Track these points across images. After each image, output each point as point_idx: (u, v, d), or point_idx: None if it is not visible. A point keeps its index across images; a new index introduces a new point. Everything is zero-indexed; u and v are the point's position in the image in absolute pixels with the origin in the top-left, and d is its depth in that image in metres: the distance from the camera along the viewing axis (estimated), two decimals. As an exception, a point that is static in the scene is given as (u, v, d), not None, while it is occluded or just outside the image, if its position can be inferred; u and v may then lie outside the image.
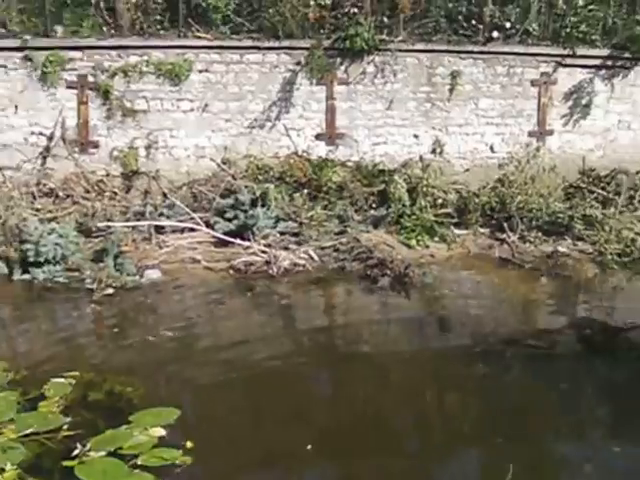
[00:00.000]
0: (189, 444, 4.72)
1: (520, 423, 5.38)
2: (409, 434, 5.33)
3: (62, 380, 5.66)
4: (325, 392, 6.06)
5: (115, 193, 10.70)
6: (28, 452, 4.63)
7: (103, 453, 4.63)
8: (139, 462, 4.54)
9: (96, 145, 11.05)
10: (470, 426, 5.35)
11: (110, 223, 9.39)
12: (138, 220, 9.75)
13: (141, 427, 4.93)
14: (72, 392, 5.49)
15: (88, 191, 10.44)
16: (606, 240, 9.80)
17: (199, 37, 11.21)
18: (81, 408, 5.27)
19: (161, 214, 9.90)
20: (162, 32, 11.31)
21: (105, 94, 10.91)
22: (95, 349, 6.71)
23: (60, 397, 5.39)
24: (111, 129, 11.09)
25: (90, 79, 10.87)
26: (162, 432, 4.90)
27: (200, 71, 11.25)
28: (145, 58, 11.02)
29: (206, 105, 11.35)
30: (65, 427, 4.95)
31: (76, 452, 4.62)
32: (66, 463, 4.52)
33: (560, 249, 9.93)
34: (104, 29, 11.20)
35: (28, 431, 4.84)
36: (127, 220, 9.80)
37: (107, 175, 10.86)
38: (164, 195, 10.82)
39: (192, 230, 9.68)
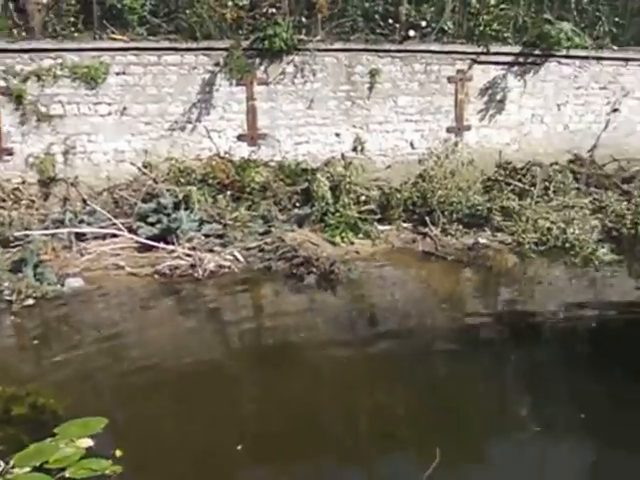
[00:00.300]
0: (118, 452, 4.65)
1: (447, 412, 5.53)
2: (339, 433, 5.37)
3: (-18, 396, 5.48)
4: (255, 393, 6.05)
5: (32, 201, 10.40)
6: (-52, 473, 4.48)
7: (28, 469, 4.51)
8: (67, 475, 4.46)
9: (10, 152, 10.72)
10: (398, 421, 5.46)
11: (28, 232, 9.12)
12: (57, 228, 9.50)
13: (67, 439, 4.83)
14: (-5, 408, 5.33)
15: (4, 200, 10.11)
16: (524, 230, 10.13)
17: (115, 39, 11.00)
18: (3, 423, 5.12)
19: (81, 221, 9.67)
20: (76, 34, 11.04)
21: (18, 99, 10.59)
22: (16, 362, 6.51)
23: (-19, 413, 5.22)
24: (26, 135, 10.78)
25: (1, 83, 10.53)
26: (90, 442, 4.81)
27: (117, 74, 11.05)
28: (59, 61, 10.76)
29: (124, 108, 11.16)
30: (-13, 444, 4.81)
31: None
32: (-12, 482, 4.40)
33: (480, 240, 10.21)
34: (14, 31, 10.86)
35: (-53, 451, 4.68)
36: (46, 228, 9.54)
37: (23, 183, 10.54)
38: (84, 201, 10.59)
39: (114, 236, 9.51)
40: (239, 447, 4.98)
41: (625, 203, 11.10)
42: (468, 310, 8.43)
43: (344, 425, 5.51)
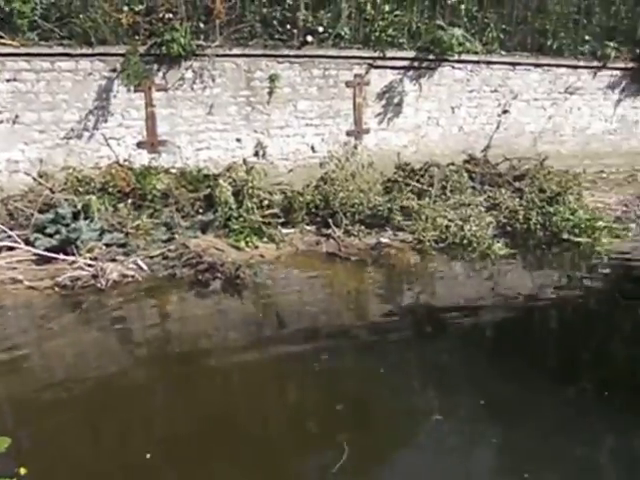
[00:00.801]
0: (23, 470, 4.52)
1: (353, 407, 5.67)
2: (250, 434, 5.41)
3: None
4: (163, 401, 5.99)
5: None
6: None
7: None
8: (-33, 497, 4.30)
9: None
10: (306, 418, 5.55)
11: None
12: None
13: (-33, 461, 4.65)
14: None
15: None
16: (423, 229, 10.43)
17: (4, 44, 10.62)
18: None
19: (-27, 234, 9.29)
20: (-39, 39, 10.62)
21: None
22: None
23: None
24: None
25: None
26: (-9, 462, 4.66)
27: (7, 80, 10.71)
28: (-57, 68, 10.32)
29: (17, 116, 10.84)
30: None
31: None
32: None
33: (383, 240, 10.44)
34: None
35: None
36: None
37: None
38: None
39: (10, 249, 9.17)
40: (148, 456, 4.93)
41: (517, 200, 11.58)
42: (374, 307, 8.64)
43: (254, 426, 5.54)
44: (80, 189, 10.41)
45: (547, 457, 4.96)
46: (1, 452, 4.79)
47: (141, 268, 8.91)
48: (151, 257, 9.25)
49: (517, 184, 12.32)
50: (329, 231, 10.63)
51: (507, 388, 5.96)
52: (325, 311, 8.32)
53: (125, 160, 11.23)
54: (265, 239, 10.22)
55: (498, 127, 14.39)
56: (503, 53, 14.26)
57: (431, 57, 13.51)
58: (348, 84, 13.02)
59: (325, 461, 4.89)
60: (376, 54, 13.09)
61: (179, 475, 4.83)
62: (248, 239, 9.96)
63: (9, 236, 9.19)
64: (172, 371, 6.55)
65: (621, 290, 9.11)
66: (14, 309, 7.94)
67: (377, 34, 13.07)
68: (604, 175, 15.00)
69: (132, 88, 11.41)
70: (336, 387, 6.10)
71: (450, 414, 5.52)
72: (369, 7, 13.03)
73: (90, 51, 11.12)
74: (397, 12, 13.30)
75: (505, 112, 14.35)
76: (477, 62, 13.91)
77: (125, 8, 11.27)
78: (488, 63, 14.07)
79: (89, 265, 8.67)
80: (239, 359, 6.78)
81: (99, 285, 8.33)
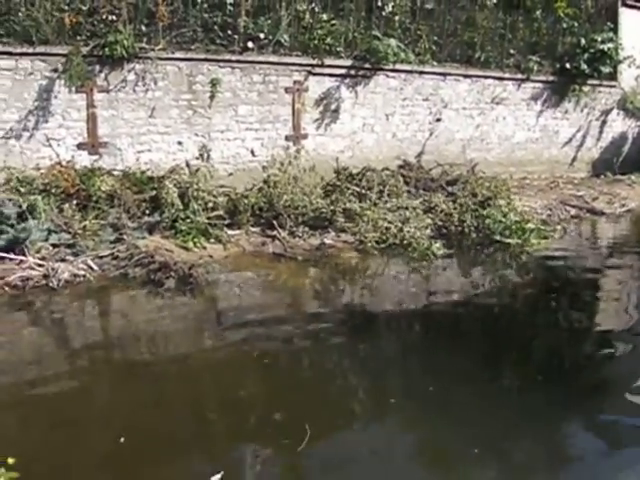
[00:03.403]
0: (10, 460, 4.57)
1: (310, 396, 6.00)
2: (213, 422, 5.61)
3: None
4: (122, 396, 6.04)
5: None
6: None
7: None
8: (-44, 487, 4.32)
9: None
10: (265, 407, 5.74)
11: None
12: None
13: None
14: None
15: None
16: (365, 230, 10.83)
17: (-60, 41, 10.41)
18: None
19: None
20: None
21: None
22: None
23: None
24: None
25: None
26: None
27: (-56, 78, 10.48)
28: None
29: (-47, 115, 10.61)
30: None
31: None
32: None
33: (326, 241, 10.78)
34: None
35: None
36: None
37: None
38: None
39: (-48, 249, 9.00)
40: (122, 439, 5.08)
41: (451, 204, 12.14)
42: (320, 303, 8.92)
43: (215, 414, 5.78)
44: (21, 189, 10.26)
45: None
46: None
47: (91, 268, 8.92)
48: (100, 257, 9.26)
49: (450, 189, 12.92)
50: (274, 232, 10.87)
51: (450, 376, 6.32)
52: (276, 306, 8.59)
53: (68, 161, 11.13)
54: (212, 240, 10.36)
55: (431, 134, 15.00)
56: (435, 64, 14.88)
57: (367, 66, 13.97)
58: (287, 90, 13.31)
59: (291, 442, 5.12)
60: (314, 62, 13.45)
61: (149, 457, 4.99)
62: (196, 240, 10.08)
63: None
64: (132, 366, 6.65)
65: (545, 285, 9.82)
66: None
67: (315, 42, 13.41)
68: (527, 181, 15.86)
69: (74, 89, 11.35)
70: (289, 378, 6.41)
71: (403, 397, 5.90)
72: (308, 16, 13.38)
73: (31, 50, 11.00)
74: (334, 21, 13.70)
75: (438, 120, 14.97)
76: (410, 72, 14.47)
77: (67, 7, 11.19)
78: (420, 73, 14.66)
79: (39, 265, 8.61)
80: (200, 353, 7.04)
81: (51, 284, 8.29)
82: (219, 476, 4.70)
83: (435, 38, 14.98)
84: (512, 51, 15.91)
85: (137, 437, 5.17)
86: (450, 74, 15.13)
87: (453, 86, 15.25)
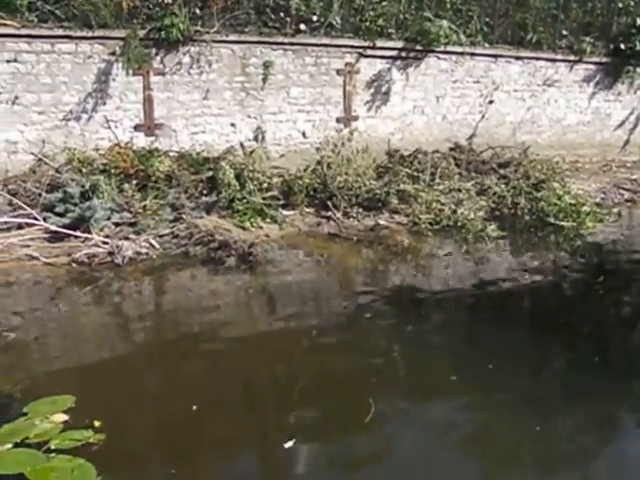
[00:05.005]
0: (97, 423, 4.78)
1: (374, 372, 6.09)
2: (256, 410, 5.65)
3: None
4: (197, 366, 6.23)
5: None
6: None
7: (9, 445, 4.53)
8: (52, 447, 4.52)
9: None
10: (332, 382, 5.86)
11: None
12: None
13: (41, 416, 4.87)
14: (-55, 396, 5.25)
15: None
16: (419, 212, 10.86)
17: (4, 24, 10.64)
18: (-39, 409, 5.07)
19: (-17, 212, 9.36)
20: (-41, 19, 10.60)
21: None
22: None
23: None
24: None
25: None
26: (64, 417, 4.88)
27: (8, 61, 10.71)
28: (-58, 46, 10.30)
29: (16, 97, 10.85)
30: (-47, 429, 4.77)
31: (-21, 448, 4.50)
32: (-28, 460, 4.40)
33: (380, 222, 10.85)
34: None
35: None
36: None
37: None
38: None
39: (20, 227, 9.27)
40: (194, 407, 5.27)
41: (504, 186, 12.09)
42: (374, 283, 8.96)
43: (278, 385, 5.97)
44: (83, 170, 10.52)
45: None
46: (71, 407, 5.02)
47: (153, 246, 9.12)
48: (161, 236, 9.47)
49: (502, 171, 12.85)
50: (329, 213, 10.97)
51: (510, 355, 6.39)
52: (339, 285, 8.85)
53: (126, 143, 11.34)
54: (268, 220, 10.50)
55: (483, 117, 14.89)
56: (486, 45, 14.76)
57: (418, 47, 13.90)
58: (339, 72, 13.34)
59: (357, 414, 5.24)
60: (366, 43, 13.44)
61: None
62: (252, 220, 10.23)
63: (29, 214, 9.25)
64: (201, 339, 6.83)
65: (600, 268, 9.78)
66: (36, 285, 8.07)
67: (367, 24, 13.41)
68: (579, 164, 15.67)
69: (131, 72, 11.52)
70: (355, 354, 6.46)
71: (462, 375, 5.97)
72: (358, -3, 13.38)
73: (90, 34, 11.19)
74: (385, 3, 13.67)
75: (490, 102, 14.86)
76: (461, 53, 14.37)
77: (125, -9, 11.37)
78: (472, 55, 14.54)
79: (104, 243, 8.83)
80: (265, 329, 7.20)
81: (116, 261, 8.50)
82: (292, 443, 4.83)
83: (487, 19, 14.86)
84: (565, 32, 15.68)
85: (208, 406, 5.33)
86: (501, 56, 14.98)
87: (504, 68, 15.10)
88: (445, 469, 4.68)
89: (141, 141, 11.79)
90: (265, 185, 11.02)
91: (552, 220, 11.37)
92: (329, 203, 11.09)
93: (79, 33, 11.12)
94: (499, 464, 4.84)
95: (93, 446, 4.59)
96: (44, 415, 4.88)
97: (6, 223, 9.22)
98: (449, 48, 14.05)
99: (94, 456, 4.47)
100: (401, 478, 4.59)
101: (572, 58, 15.84)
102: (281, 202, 11.04)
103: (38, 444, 4.57)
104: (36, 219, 9.13)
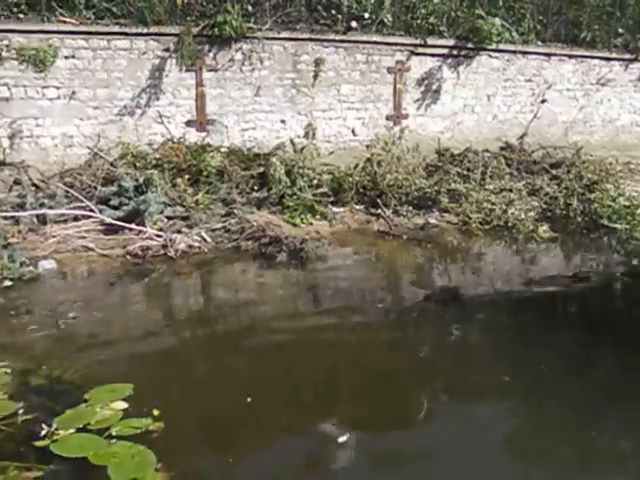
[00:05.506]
0: (156, 412, 4.86)
1: (426, 370, 6.09)
2: (309, 403, 5.68)
3: (-4, 370, 5.52)
4: (252, 360, 6.29)
5: (-19, 185, 10.20)
6: (-12, 439, 4.56)
7: (72, 430, 4.64)
8: (113, 433, 4.62)
9: (-46, 136, 10.46)
10: (383, 379, 5.85)
11: (6, 214, 9.08)
12: (17, 212, 9.40)
13: (101, 403, 4.98)
14: (12, 380, 5.37)
15: (-46, 184, 9.87)
16: (470, 211, 10.78)
17: (64, 22, 10.88)
18: (28, 393, 5.19)
19: (42, 204, 9.57)
20: (21, 16, 10.85)
21: (-38, 81, 10.35)
22: (13, 339, 6.50)
23: (1, 386, 5.25)
24: (-30, 118, 10.55)
25: (-55, 65, 10.26)
26: (124, 405, 4.98)
27: (66, 57, 10.96)
28: (5, 42, 10.56)
29: (73, 92, 11.08)
30: (20, 412, 4.88)
31: (44, 432, 4.61)
32: (38, 443, 4.50)
33: (431, 221, 10.80)
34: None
35: (-19, 420, 4.75)
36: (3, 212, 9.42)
37: (-26, 166, 10.32)
38: (34, 186, 10.45)
39: (76, 219, 9.46)
40: (249, 399, 5.32)
41: (556, 187, 11.93)
42: (424, 281, 8.87)
43: (329, 379, 5.96)
44: (137, 164, 10.71)
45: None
46: (130, 395, 5.11)
47: (205, 240, 9.22)
48: (213, 230, 9.57)
49: (554, 172, 12.66)
50: (378, 211, 10.96)
51: (562, 358, 6.30)
52: (390, 282, 8.88)
53: (179, 138, 11.50)
54: (318, 216, 10.54)
55: (535, 116, 14.71)
56: (539, 43, 14.58)
57: (470, 45, 13.80)
58: (390, 70, 13.32)
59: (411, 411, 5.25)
60: (417, 41, 13.39)
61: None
62: (303, 216, 10.28)
63: (84, 206, 9.45)
64: (258, 333, 6.87)
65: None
66: (92, 275, 8.26)
67: (418, 21, 13.36)
68: (632, 166, 15.33)
69: (184, 68, 11.68)
70: (408, 352, 6.46)
71: (515, 376, 5.92)
72: (411, -5, 13.31)
73: (145, 30, 11.37)
74: (437, 0, 13.58)
75: (543, 101, 14.68)
76: (514, 52, 14.22)
77: (178, -11, 11.51)
78: (524, 53, 14.38)
79: (157, 235, 8.97)
80: (322, 323, 7.22)
81: (169, 254, 8.63)
82: (346, 437, 4.84)
83: (540, 17, 14.66)
84: (620, 30, 15.38)
85: (262, 398, 5.38)
86: (554, 54, 14.77)
87: (557, 66, 14.89)
88: (496, 470, 4.65)
89: (193, 136, 11.93)
90: (315, 182, 11.08)
91: (605, 222, 11.15)
92: (379, 201, 11.08)
93: (134, 30, 11.31)
94: (553, 469, 4.77)
95: (152, 434, 4.67)
96: (104, 402, 4.99)
97: (63, 215, 9.41)
98: (501, 46, 13.94)
99: (153, 444, 4.55)
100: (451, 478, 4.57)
101: (627, 57, 15.55)
102: (331, 199, 11.08)
103: (99, 430, 4.67)
104: (92, 211, 9.28)
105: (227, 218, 9.95)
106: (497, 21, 13.46)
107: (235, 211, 10.00)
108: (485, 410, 5.50)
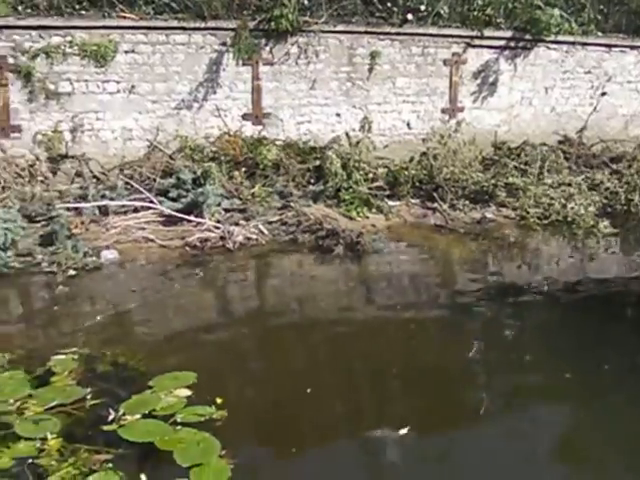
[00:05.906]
0: (219, 400, 4.93)
1: (491, 365, 6.09)
2: (367, 398, 5.66)
3: (64, 356, 5.65)
4: (316, 350, 6.34)
5: (46, 177, 10.46)
6: (60, 422, 4.67)
7: (139, 416, 4.74)
8: (178, 420, 4.71)
9: (18, 129, 10.71)
10: (447, 373, 5.85)
11: (70, 205, 9.37)
12: (79, 203, 9.64)
13: (165, 390, 5.07)
14: (79, 366, 5.51)
15: (20, 176, 10.14)
16: (527, 205, 10.63)
17: (124, 17, 11.06)
18: (95, 379, 5.32)
19: (103, 196, 9.78)
20: (83, 12, 11.07)
21: (26, 76, 10.59)
22: (78, 326, 6.65)
23: (69, 371, 5.39)
24: (34, 112, 10.80)
25: (10, 60, 10.50)
26: (188, 392, 5.07)
27: (126, 52, 11.14)
28: (68, 39, 10.78)
29: (133, 87, 11.25)
30: (88, 397, 5.01)
31: (111, 417, 4.72)
32: (106, 428, 4.62)
33: (487, 215, 10.68)
34: (19, 8, 10.80)
35: (53, 404, 4.87)
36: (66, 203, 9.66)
37: (37, 160, 10.58)
38: (95, 178, 10.69)
39: (136, 211, 9.64)
40: (309, 390, 5.37)
41: (616, 181, 11.66)
42: (485, 276, 8.81)
43: (389, 374, 5.91)
44: (194, 157, 10.85)
45: None
46: (193, 383, 5.19)
47: (262, 232, 9.30)
48: (270, 222, 9.64)
49: (614, 166, 12.39)
50: (434, 205, 10.88)
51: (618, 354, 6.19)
52: (449, 275, 8.88)
53: (236, 131, 11.59)
54: (374, 210, 10.52)
55: (595, 109, 14.37)
56: (599, 34, 14.23)
57: (527, 37, 13.55)
58: (446, 62, 13.18)
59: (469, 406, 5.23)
60: (474, 33, 13.21)
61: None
62: (359, 209, 10.28)
63: (146, 198, 9.62)
64: (322, 324, 6.93)
65: None
66: (152, 265, 8.43)
67: (475, 13, 13.17)
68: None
69: (240, 62, 11.76)
70: (471, 346, 6.38)
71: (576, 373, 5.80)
72: (468, -14, 13.14)
73: (203, 25, 11.48)
74: (493, -9, 13.37)
75: (603, 94, 14.33)
76: (573, 43, 13.92)
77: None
78: (583, 44, 14.06)
79: (216, 227, 9.07)
80: (382, 316, 7.25)
81: (228, 246, 8.73)
82: (405, 430, 4.84)
83: (600, 7, 14.29)
84: (686, 20, 14.93)
85: (321, 389, 5.43)
86: (615, 45, 14.40)
87: (618, 58, 14.53)
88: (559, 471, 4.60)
89: (249, 130, 12.01)
90: (371, 175, 11.07)
91: (668, 218, 10.88)
92: (435, 194, 11.00)
93: (192, 24, 11.43)
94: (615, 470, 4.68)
95: (216, 422, 4.74)
96: (168, 390, 5.08)
97: (123, 206, 9.60)
98: (560, 37, 13.63)
99: (217, 431, 4.61)
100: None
101: (694, 47, 15.06)
102: (387, 192, 11.05)
103: (164, 416, 4.76)
104: (152, 203, 9.44)
105: (283, 211, 10.00)
106: (556, 11, 13.18)
107: (291, 204, 10.04)
108: (546, 409, 5.40)
